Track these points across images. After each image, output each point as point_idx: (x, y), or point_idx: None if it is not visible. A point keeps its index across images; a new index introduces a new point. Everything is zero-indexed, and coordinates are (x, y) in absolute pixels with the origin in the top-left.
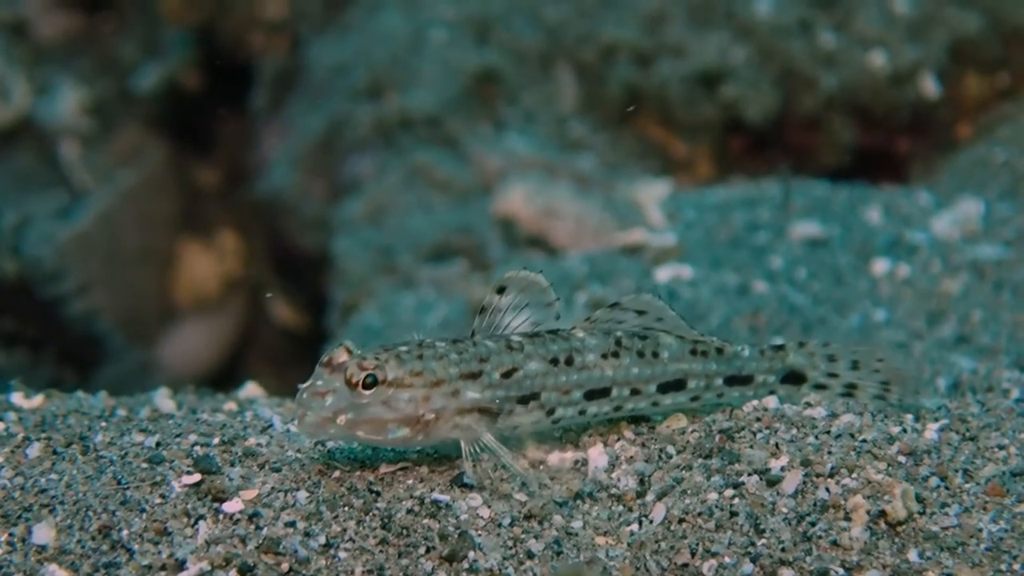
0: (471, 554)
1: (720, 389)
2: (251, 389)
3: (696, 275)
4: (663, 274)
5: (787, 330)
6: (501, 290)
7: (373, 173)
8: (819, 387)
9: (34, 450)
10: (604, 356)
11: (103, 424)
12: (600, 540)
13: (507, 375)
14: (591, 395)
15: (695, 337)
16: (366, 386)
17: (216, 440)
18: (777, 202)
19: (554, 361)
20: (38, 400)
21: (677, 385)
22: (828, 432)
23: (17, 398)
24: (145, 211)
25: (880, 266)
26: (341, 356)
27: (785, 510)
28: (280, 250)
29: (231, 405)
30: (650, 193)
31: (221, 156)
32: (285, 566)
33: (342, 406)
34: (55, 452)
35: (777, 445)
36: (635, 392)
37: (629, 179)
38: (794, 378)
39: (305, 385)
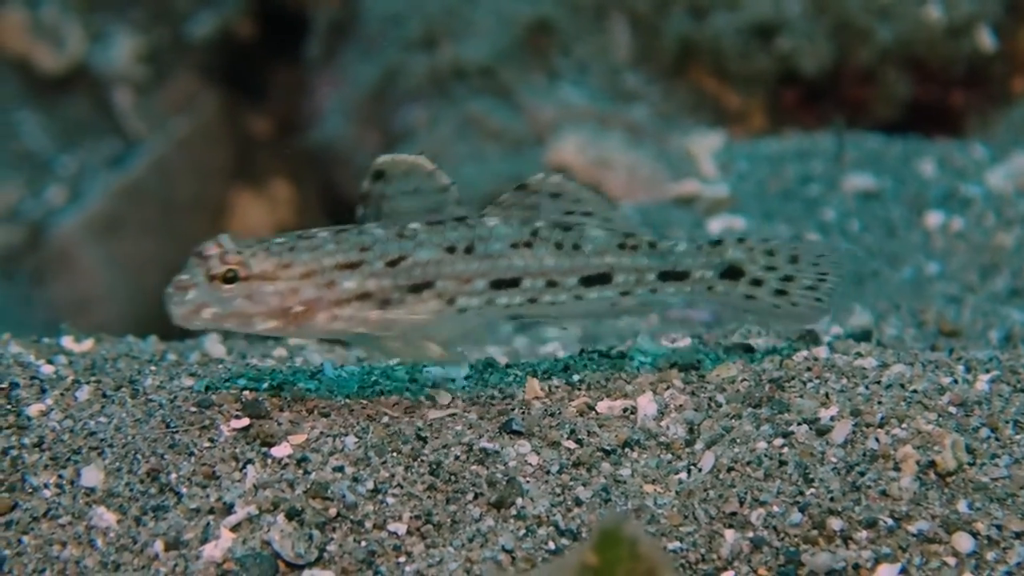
0: (519, 501)
1: (653, 284)
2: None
3: (748, 226)
4: (715, 225)
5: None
6: (378, 175)
7: (426, 123)
8: (756, 282)
9: (83, 393)
10: (515, 246)
11: (152, 368)
12: (648, 488)
13: (393, 263)
14: (498, 285)
15: (625, 229)
16: (227, 280)
17: (265, 385)
18: (830, 154)
19: (451, 249)
20: (88, 344)
21: (602, 279)
22: (878, 382)
23: (67, 342)
24: (198, 160)
25: (933, 219)
26: (210, 249)
27: (834, 460)
28: (332, 200)
29: (281, 351)
30: (703, 144)
31: (274, 105)
32: (333, 511)
33: (205, 300)
34: (104, 395)
35: (827, 395)
36: (552, 284)
37: (682, 130)
38: (733, 273)
39: (175, 278)
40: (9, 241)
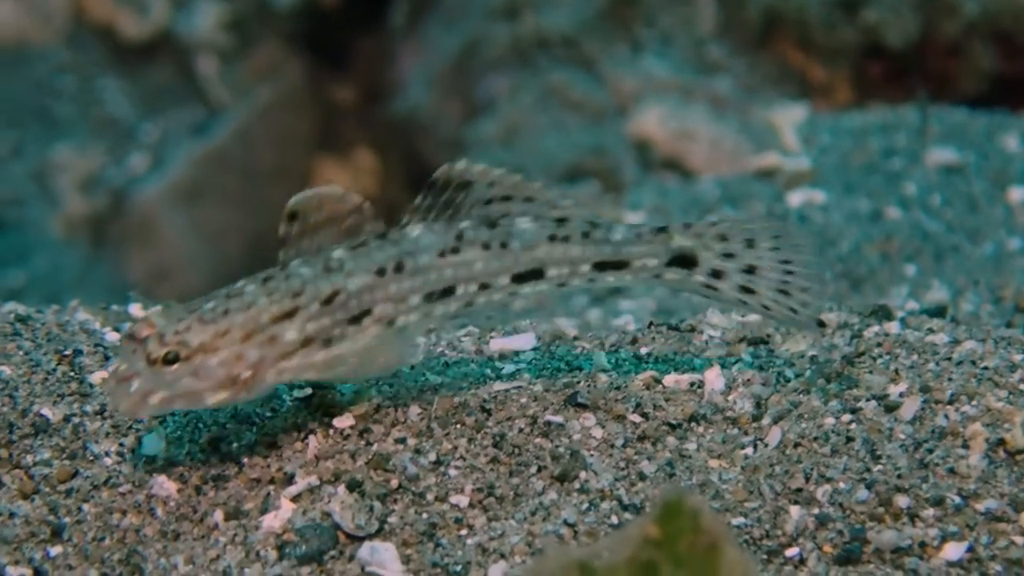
0: (582, 474)
1: (590, 275)
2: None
3: (828, 200)
4: (795, 198)
5: (919, 257)
6: (292, 216)
7: (507, 93)
8: (716, 273)
9: None
10: (442, 254)
11: None
12: (713, 463)
13: (328, 301)
14: (432, 297)
15: (556, 215)
16: (168, 361)
17: None
18: (914, 128)
19: (381, 272)
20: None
21: (535, 275)
22: (949, 358)
23: (135, 309)
24: (281, 128)
25: (1016, 194)
26: (143, 331)
27: (902, 436)
28: (415, 169)
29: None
30: (786, 117)
31: (358, 74)
32: (394, 482)
33: (150, 387)
34: None
35: (897, 371)
36: (485, 286)
37: (766, 103)
38: (684, 261)
39: (111, 368)
40: (91, 208)
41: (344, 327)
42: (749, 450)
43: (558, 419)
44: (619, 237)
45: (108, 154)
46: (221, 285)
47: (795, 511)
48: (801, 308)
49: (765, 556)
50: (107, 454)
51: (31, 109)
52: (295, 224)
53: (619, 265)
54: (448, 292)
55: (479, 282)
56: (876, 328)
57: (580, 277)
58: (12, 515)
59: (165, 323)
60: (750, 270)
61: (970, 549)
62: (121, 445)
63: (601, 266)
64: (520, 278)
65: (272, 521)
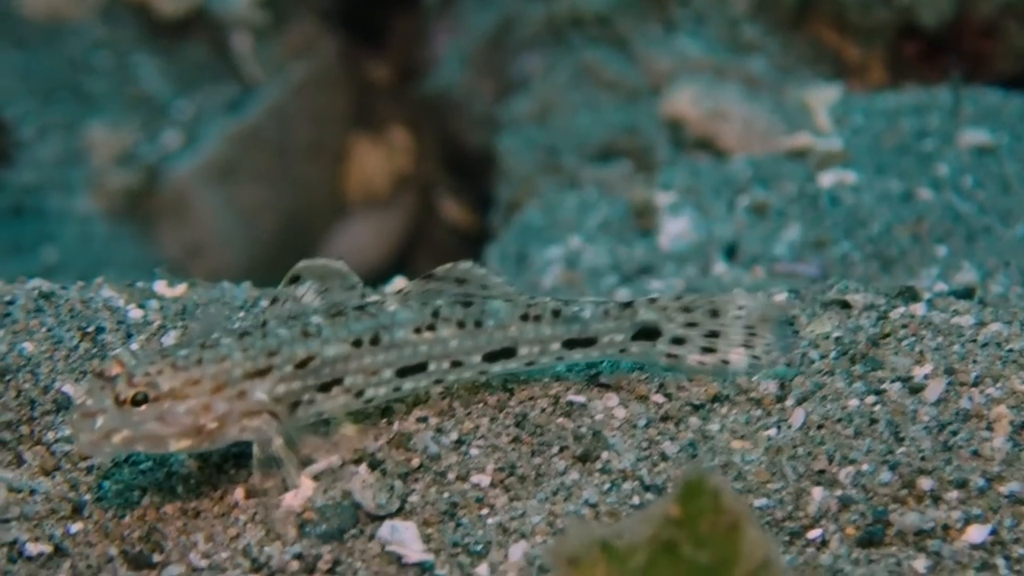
0: (604, 454)
1: (559, 353)
2: (399, 284)
3: (860, 181)
4: (826, 179)
5: (950, 238)
6: (295, 279)
7: (541, 72)
8: (678, 340)
9: (169, 339)
10: (418, 330)
11: (241, 315)
12: (736, 444)
13: (302, 365)
14: (404, 372)
15: (527, 300)
16: (136, 403)
17: None
18: (947, 109)
19: (357, 343)
20: (181, 289)
21: (506, 353)
22: (975, 340)
23: (160, 286)
24: (316, 106)
25: None
26: (113, 369)
27: (926, 418)
28: (449, 147)
29: (377, 298)
30: (820, 97)
31: (393, 52)
32: (415, 461)
33: (114, 425)
34: None
35: (922, 352)
36: (457, 364)
37: (800, 83)
38: (648, 334)
39: (77, 403)
40: (125, 184)
41: (314, 393)
42: (772, 431)
43: (580, 399)
44: (587, 315)
45: (142, 131)
46: (255, 262)
47: (818, 493)
48: (764, 355)
49: (787, 537)
50: None
51: (65, 85)
52: (295, 287)
53: (587, 343)
54: (420, 368)
55: (451, 359)
56: (902, 309)
57: (550, 356)
58: (33, 492)
59: (135, 364)
60: (713, 334)
61: (993, 532)
62: None
63: (570, 344)
64: (491, 357)
65: (292, 500)
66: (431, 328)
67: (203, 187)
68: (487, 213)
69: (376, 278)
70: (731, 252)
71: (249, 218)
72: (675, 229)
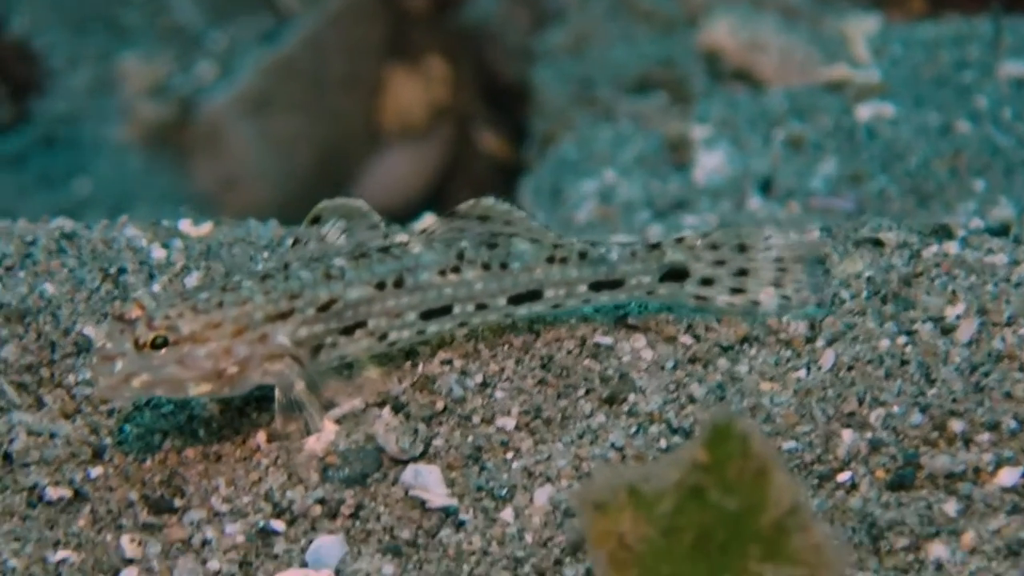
0: (631, 397)
1: (585, 296)
2: (428, 221)
3: (898, 114)
4: (864, 112)
5: (988, 172)
6: (316, 220)
7: (577, 2)
8: (706, 281)
9: (192, 280)
10: (443, 273)
11: (266, 255)
12: (765, 386)
13: (324, 308)
14: (429, 315)
15: (553, 241)
16: (155, 346)
17: None
18: (987, 40)
19: (380, 285)
20: (206, 228)
21: (532, 296)
22: (1008, 280)
23: (185, 225)
24: (351, 36)
25: None
26: (132, 312)
27: (958, 359)
28: (486, 78)
29: (402, 238)
30: (859, 27)
31: None
32: (440, 404)
33: (133, 369)
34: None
35: (954, 292)
36: (482, 307)
37: (838, 13)
38: (676, 275)
39: (96, 346)
40: (158, 116)
41: (336, 336)
42: (802, 373)
43: (607, 340)
44: (614, 257)
45: (175, 62)
46: (290, 196)
47: (847, 435)
48: (795, 295)
49: (816, 481)
50: None
51: (98, 16)
52: (316, 227)
53: (614, 285)
54: (444, 311)
55: (476, 302)
56: (935, 248)
57: (576, 298)
58: (53, 435)
59: (155, 307)
60: (742, 272)
61: None
62: None
63: (597, 286)
64: (517, 299)
65: (315, 444)
66: (456, 270)
67: (237, 119)
68: (522, 146)
69: (413, 210)
70: (766, 187)
71: (284, 151)
72: (710, 163)
